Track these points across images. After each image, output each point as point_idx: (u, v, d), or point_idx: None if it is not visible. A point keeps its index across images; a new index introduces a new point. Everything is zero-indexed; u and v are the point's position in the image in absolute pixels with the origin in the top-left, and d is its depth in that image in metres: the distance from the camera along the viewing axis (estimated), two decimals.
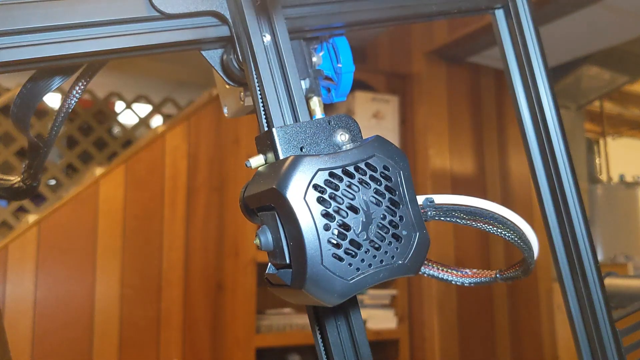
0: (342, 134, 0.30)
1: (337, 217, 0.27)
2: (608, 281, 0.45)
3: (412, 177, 0.29)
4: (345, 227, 0.27)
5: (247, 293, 1.88)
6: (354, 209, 0.27)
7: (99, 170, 1.87)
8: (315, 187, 0.27)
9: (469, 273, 0.35)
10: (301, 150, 0.29)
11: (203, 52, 0.37)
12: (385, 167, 0.28)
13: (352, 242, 0.27)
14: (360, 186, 0.28)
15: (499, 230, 0.31)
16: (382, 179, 0.28)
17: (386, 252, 0.28)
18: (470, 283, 0.35)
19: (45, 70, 0.39)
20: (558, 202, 0.43)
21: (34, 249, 1.69)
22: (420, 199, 0.31)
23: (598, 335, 0.42)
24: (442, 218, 0.31)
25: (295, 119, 0.32)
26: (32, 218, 1.82)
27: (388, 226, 0.28)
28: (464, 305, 2.18)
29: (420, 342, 2.15)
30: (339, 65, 0.40)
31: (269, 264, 0.29)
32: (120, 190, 1.80)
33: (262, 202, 0.28)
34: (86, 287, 1.73)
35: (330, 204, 0.27)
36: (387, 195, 0.28)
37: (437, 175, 2.17)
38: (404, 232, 0.28)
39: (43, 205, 2.26)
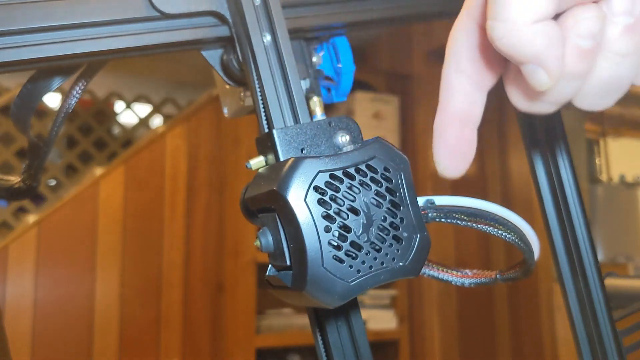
0: (342, 135, 0.30)
1: (338, 219, 0.27)
2: (608, 281, 0.45)
3: (412, 179, 0.29)
4: (346, 229, 0.27)
5: (247, 293, 1.88)
6: (354, 211, 0.27)
7: (99, 170, 1.87)
8: (316, 189, 0.27)
9: (469, 274, 0.35)
10: (302, 151, 0.29)
11: (203, 52, 0.37)
12: (385, 169, 0.28)
13: (352, 244, 0.27)
14: (360, 188, 0.28)
15: (499, 232, 0.31)
16: (382, 181, 0.28)
17: (387, 254, 0.28)
18: (470, 284, 0.35)
19: (45, 71, 0.39)
20: (558, 202, 0.43)
21: (34, 249, 1.69)
22: (421, 201, 0.31)
23: (598, 335, 0.42)
24: (443, 220, 0.31)
25: (296, 119, 0.31)
26: (32, 218, 1.82)
27: (389, 228, 0.28)
28: (464, 306, 2.18)
29: (420, 342, 2.15)
30: (339, 65, 0.40)
31: (270, 265, 0.29)
32: (120, 190, 1.80)
33: (263, 204, 0.28)
34: (86, 287, 1.73)
35: (331, 206, 0.27)
36: (388, 197, 0.28)
37: (437, 176, 2.16)
38: (405, 234, 0.28)
39: (43, 205, 2.26)
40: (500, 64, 0.28)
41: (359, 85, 2.15)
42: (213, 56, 0.37)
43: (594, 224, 2.62)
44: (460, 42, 0.28)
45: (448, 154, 0.29)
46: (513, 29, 0.22)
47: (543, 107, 0.25)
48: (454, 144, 0.28)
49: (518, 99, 0.26)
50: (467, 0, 0.28)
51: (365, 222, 0.27)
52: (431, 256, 0.31)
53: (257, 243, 0.29)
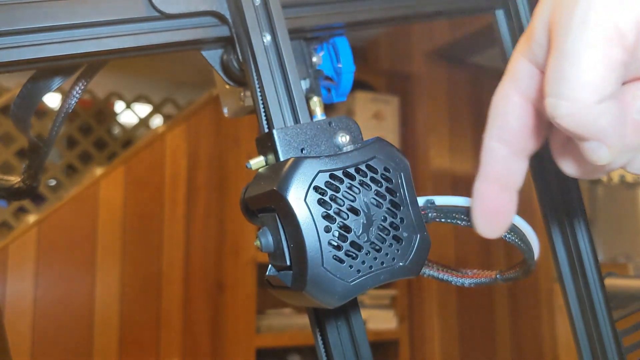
0: (342, 135, 0.30)
1: (338, 219, 0.27)
2: (608, 281, 0.45)
3: (412, 179, 0.29)
4: (346, 229, 0.27)
5: (247, 293, 1.88)
6: (354, 211, 0.27)
7: (99, 171, 1.87)
8: (316, 189, 0.27)
9: (469, 274, 0.35)
10: (302, 151, 0.29)
11: (203, 52, 0.37)
12: (385, 169, 0.28)
13: (352, 244, 0.27)
14: (360, 188, 0.28)
15: None
16: (382, 181, 0.28)
17: (387, 254, 0.28)
18: (470, 284, 0.35)
19: (46, 70, 0.39)
20: (558, 202, 0.43)
21: (34, 249, 1.69)
22: (421, 201, 0.31)
23: (598, 335, 0.42)
24: (443, 220, 0.31)
25: (296, 119, 0.31)
26: (32, 218, 1.82)
27: (389, 228, 0.28)
28: (464, 306, 2.18)
29: (420, 342, 2.15)
30: (339, 65, 0.40)
31: (270, 265, 0.29)
32: (120, 190, 1.80)
33: (263, 204, 0.28)
34: (86, 287, 1.73)
35: (331, 206, 0.27)
36: (388, 197, 0.28)
37: (437, 175, 2.17)
38: (405, 234, 0.28)
39: (43, 205, 2.26)
40: (543, 132, 0.28)
41: (359, 85, 2.15)
42: (213, 56, 0.37)
43: (594, 224, 2.62)
44: (504, 111, 0.28)
45: (486, 217, 0.29)
46: (578, 108, 0.22)
47: (595, 175, 0.26)
48: (492, 208, 0.29)
49: (569, 168, 0.27)
50: (511, 68, 0.28)
51: (365, 222, 0.27)
52: (431, 256, 0.31)
53: (257, 243, 0.29)
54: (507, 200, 0.29)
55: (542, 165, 0.43)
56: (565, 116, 0.22)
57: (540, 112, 0.28)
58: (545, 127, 0.28)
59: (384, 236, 0.28)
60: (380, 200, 0.28)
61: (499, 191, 0.29)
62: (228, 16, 0.35)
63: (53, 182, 2.45)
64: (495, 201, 0.29)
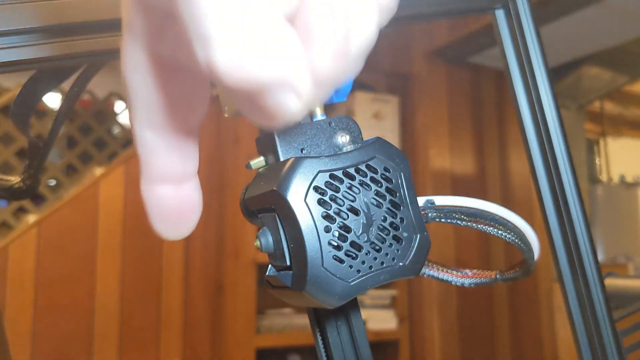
0: (342, 135, 0.30)
1: (338, 219, 0.27)
2: (608, 281, 0.45)
3: (412, 179, 0.29)
4: (346, 229, 0.27)
5: (247, 293, 1.88)
6: (354, 211, 0.27)
7: (99, 170, 1.87)
8: (316, 189, 0.26)
9: (469, 274, 0.35)
10: (302, 151, 0.29)
11: None
12: (385, 169, 0.28)
13: (352, 244, 0.27)
14: (360, 188, 0.28)
15: (499, 232, 0.31)
16: (382, 181, 0.28)
17: (387, 254, 0.28)
18: (470, 284, 0.35)
19: (45, 70, 0.39)
20: (558, 202, 0.43)
21: (34, 249, 1.69)
22: (421, 201, 0.31)
23: (598, 335, 0.42)
24: (443, 220, 0.31)
25: None
26: (32, 218, 1.82)
27: (389, 228, 0.28)
28: (464, 306, 2.18)
29: (420, 342, 2.15)
30: None
31: (269, 265, 0.29)
32: (120, 190, 1.80)
33: (263, 204, 0.28)
34: (86, 287, 1.73)
35: (331, 206, 0.27)
36: (388, 197, 0.28)
37: (437, 175, 2.17)
38: (405, 234, 0.28)
39: (43, 205, 2.26)
40: (204, 98, 0.23)
41: (359, 85, 2.15)
42: None
43: (594, 224, 2.62)
44: (140, 86, 0.21)
45: (169, 221, 0.24)
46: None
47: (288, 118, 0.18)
48: (174, 209, 0.23)
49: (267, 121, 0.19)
50: (128, 19, 0.20)
51: (365, 222, 0.27)
52: (431, 256, 0.31)
53: (257, 243, 0.29)
54: (189, 193, 0.23)
55: (541, 162, 0.43)
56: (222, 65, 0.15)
57: (190, 70, 0.21)
58: (201, 87, 0.22)
59: (384, 236, 0.28)
60: (380, 200, 0.28)
61: (175, 188, 0.23)
62: None
63: (53, 182, 2.45)
64: (176, 200, 0.23)
